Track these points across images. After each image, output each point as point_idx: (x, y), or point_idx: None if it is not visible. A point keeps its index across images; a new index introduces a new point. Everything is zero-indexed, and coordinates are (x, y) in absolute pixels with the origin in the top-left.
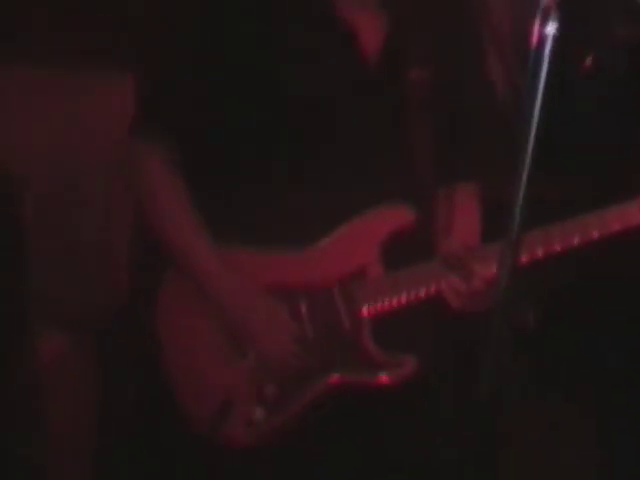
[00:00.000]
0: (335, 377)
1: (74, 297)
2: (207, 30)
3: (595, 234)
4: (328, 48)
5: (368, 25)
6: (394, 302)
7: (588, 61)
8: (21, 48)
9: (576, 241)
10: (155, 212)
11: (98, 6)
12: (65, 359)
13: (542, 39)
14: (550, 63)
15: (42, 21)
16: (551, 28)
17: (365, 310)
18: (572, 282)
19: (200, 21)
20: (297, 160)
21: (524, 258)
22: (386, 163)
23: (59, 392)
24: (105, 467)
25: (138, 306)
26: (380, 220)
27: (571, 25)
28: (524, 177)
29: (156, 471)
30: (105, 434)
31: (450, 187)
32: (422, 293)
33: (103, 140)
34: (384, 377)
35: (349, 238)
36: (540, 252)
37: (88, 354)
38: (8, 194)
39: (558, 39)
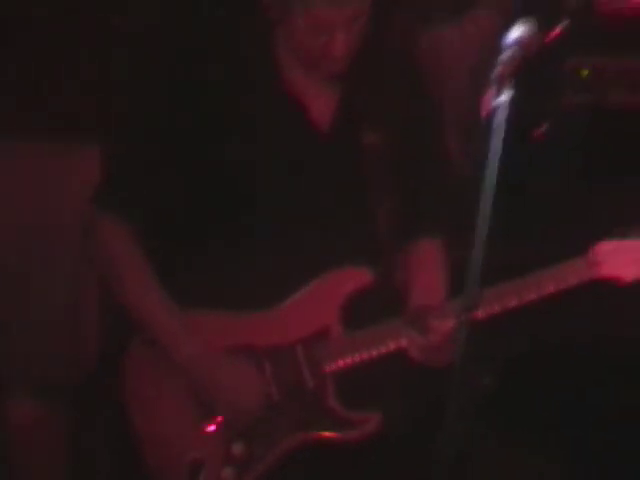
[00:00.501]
0: (301, 435)
1: (43, 363)
2: (163, 108)
3: (550, 289)
4: (280, 122)
5: (319, 96)
6: (356, 359)
7: (542, 129)
8: None
9: (532, 296)
10: (116, 280)
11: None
12: (37, 424)
13: (496, 107)
14: (504, 130)
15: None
16: (505, 97)
17: (328, 368)
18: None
19: (157, 99)
20: (257, 225)
21: (481, 314)
22: (345, 225)
23: (30, 455)
24: None
25: (104, 372)
26: (339, 282)
27: (525, 94)
28: (481, 238)
29: None
30: None
31: (412, 244)
32: (383, 350)
33: (71, 206)
34: (349, 434)
35: (310, 300)
36: (497, 308)
37: (58, 419)
38: None
39: (513, 107)
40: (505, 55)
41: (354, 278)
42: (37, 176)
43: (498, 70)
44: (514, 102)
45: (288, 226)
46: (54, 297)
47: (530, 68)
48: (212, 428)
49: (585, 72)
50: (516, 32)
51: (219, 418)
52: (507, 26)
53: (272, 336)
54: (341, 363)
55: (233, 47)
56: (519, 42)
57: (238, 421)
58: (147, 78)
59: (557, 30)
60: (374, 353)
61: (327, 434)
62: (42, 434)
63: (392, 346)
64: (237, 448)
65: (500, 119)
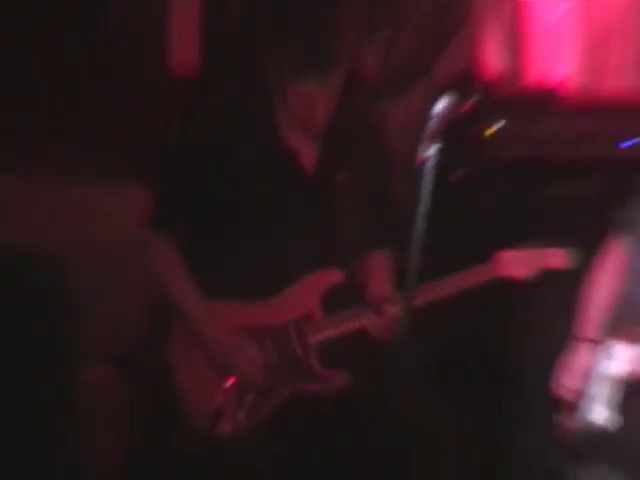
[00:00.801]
0: (292, 388)
1: (115, 337)
2: (194, 161)
3: (466, 284)
4: (278, 166)
5: (306, 147)
6: (332, 334)
7: (457, 173)
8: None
9: (453, 289)
10: (160, 279)
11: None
12: (105, 383)
13: (426, 158)
14: (433, 175)
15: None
16: (433, 150)
17: (312, 341)
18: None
19: (189, 155)
20: (261, 240)
21: (418, 302)
22: (324, 240)
23: (102, 407)
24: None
25: (155, 347)
26: (319, 280)
27: (447, 148)
28: (414, 261)
29: (173, 465)
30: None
31: (370, 254)
32: (350, 327)
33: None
34: (325, 387)
35: (299, 292)
36: (429, 298)
37: (121, 379)
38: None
39: (438, 157)
40: (433, 120)
41: (329, 277)
42: (94, 206)
43: (428, 131)
44: (439, 154)
45: (283, 240)
46: (125, 288)
47: (451, 130)
48: (229, 384)
49: (491, 132)
50: (440, 105)
51: (233, 378)
52: (434, 101)
53: (271, 319)
54: (321, 337)
55: (248, 114)
56: (443, 112)
57: (247, 381)
58: (188, 144)
59: (469, 103)
60: (344, 330)
61: (310, 387)
62: (109, 394)
63: (357, 325)
64: (247, 398)
65: (429, 166)
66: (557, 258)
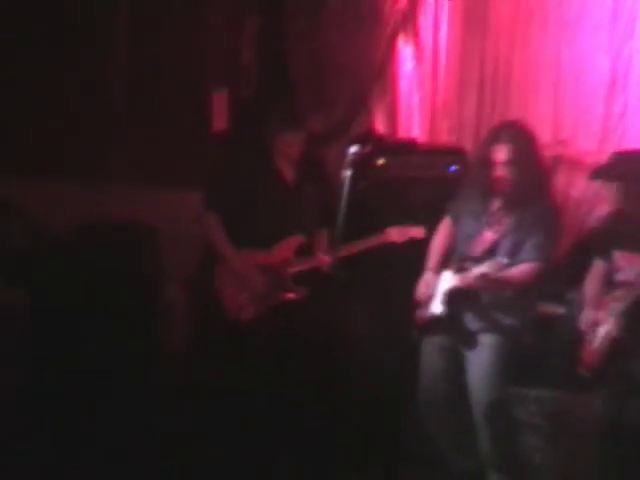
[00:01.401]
0: (279, 294)
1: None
2: (229, 177)
3: (369, 245)
4: (272, 183)
5: (288, 170)
6: (300, 269)
7: (362, 185)
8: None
9: (360, 248)
10: (210, 237)
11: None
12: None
13: (345, 177)
14: (349, 187)
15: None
16: (349, 172)
17: (291, 271)
18: None
19: (227, 174)
20: (264, 219)
21: (343, 253)
22: (298, 224)
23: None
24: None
25: (206, 270)
26: (293, 241)
27: (358, 170)
28: (339, 232)
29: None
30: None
31: (318, 230)
32: (310, 266)
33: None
34: (297, 294)
35: (283, 247)
36: (348, 252)
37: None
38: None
39: (352, 176)
40: (349, 157)
41: (299, 239)
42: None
43: (346, 163)
44: (352, 175)
45: (275, 220)
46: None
47: (358, 162)
48: (247, 294)
49: (381, 161)
50: (353, 148)
51: (249, 291)
52: (350, 146)
53: (268, 259)
54: (293, 269)
55: (256, 153)
56: (354, 152)
57: (254, 292)
58: (226, 169)
59: (369, 148)
60: (306, 267)
61: (288, 295)
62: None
63: (313, 264)
64: (254, 299)
65: (347, 181)
66: (418, 231)
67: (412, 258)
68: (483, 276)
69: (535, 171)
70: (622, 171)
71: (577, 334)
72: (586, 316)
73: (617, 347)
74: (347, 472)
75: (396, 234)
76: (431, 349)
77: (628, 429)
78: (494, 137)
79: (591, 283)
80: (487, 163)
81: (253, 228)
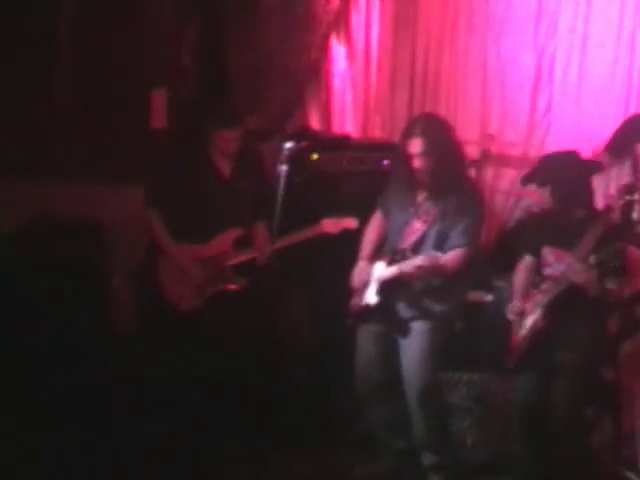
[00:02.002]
0: (220, 285)
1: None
2: (168, 174)
3: (304, 237)
4: (209, 178)
5: (225, 165)
6: (239, 260)
7: (297, 179)
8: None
9: (297, 240)
10: (151, 231)
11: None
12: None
13: (281, 171)
14: (285, 181)
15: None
16: (285, 167)
17: (229, 263)
18: None
19: (166, 171)
20: (202, 213)
21: (280, 244)
22: (234, 216)
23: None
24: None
25: (150, 262)
26: (231, 234)
27: (293, 164)
28: (276, 225)
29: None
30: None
31: (256, 225)
32: (247, 257)
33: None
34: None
35: (221, 240)
36: (285, 243)
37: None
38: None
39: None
40: (284, 153)
41: (236, 232)
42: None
43: (281, 158)
44: (287, 170)
45: (213, 213)
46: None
47: (293, 156)
48: (187, 285)
49: (315, 156)
50: (288, 144)
51: (189, 282)
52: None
53: (208, 252)
54: (232, 262)
55: (195, 149)
56: (289, 148)
57: (193, 283)
58: (165, 165)
59: (303, 144)
60: (244, 258)
61: (227, 287)
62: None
63: (251, 256)
64: (193, 290)
65: (283, 176)
66: (351, 222)
67: (346, 248)
68: (418, 268)
69: (452, 160)
70: (550, 175)
71: (505, 321)
72: (514, 306)
73: (542, 336)
74: (285, 454)
75: (330, 225)
76: (366, 336)
77: (548, 412)
78: (409, 131)
79: (519, 276)
80: (405, 156)
81: (192, 222)
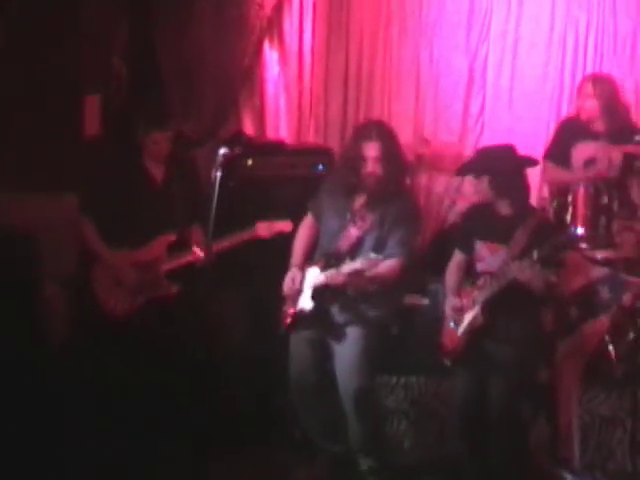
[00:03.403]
0: (149, 292)
1: (60, 266)
2: (100, 181)
3: (239, 239)
4: (143, 184)
5: (157, 169)
6: (172, 266)
7: (231, 183)
8: None
9: (234, 242)
10: (85, 239)
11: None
12: (56, 297)
13: (216, 177)
14: (218, 186)
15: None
16: (219, 172)
17: (162, 268)
18: None
19: (98, 178)
20: (135, 218)
21: (216, 248)
22: (166, 219)
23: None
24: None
25: (83, 269)
26: (165, 239)
27: (227, 169)
28: (210, 229)
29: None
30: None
31: (190, 226)
32: (183, 262)
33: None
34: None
35: (155, 245)
36: (220, 247)
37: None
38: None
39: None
40: (218, 158)
41: (170, 237)
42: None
43: (217, 163)
44: (221, 175)
45: (146, 219)
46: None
47: (228, 162)
48: (121, 290)
49: (250, 162)
50: (222, 150)
51: (124, 286)
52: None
53: (142, 257)
54: (166, 267)
55: (126, 154)
56: (225, 153)
57: (125, 282)
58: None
59: (238, 149)
60: (180, 263)
61: (160, 292)
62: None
63: (187, 260)
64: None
65: (217, 181)
66: (285, 225)
67: (280, 252)
68: (356, 272)
69: (399, 167)
70: (486, 166)
71: (440, 324)
72: (449, 303)
73: (480, 333)
74: (223, 455)
75: (265, 229)
76: (299, 341)
77: (488, 408)
78: (363, 134)
79: (451, 272)
80: (357, 159)
81: (126, 229)
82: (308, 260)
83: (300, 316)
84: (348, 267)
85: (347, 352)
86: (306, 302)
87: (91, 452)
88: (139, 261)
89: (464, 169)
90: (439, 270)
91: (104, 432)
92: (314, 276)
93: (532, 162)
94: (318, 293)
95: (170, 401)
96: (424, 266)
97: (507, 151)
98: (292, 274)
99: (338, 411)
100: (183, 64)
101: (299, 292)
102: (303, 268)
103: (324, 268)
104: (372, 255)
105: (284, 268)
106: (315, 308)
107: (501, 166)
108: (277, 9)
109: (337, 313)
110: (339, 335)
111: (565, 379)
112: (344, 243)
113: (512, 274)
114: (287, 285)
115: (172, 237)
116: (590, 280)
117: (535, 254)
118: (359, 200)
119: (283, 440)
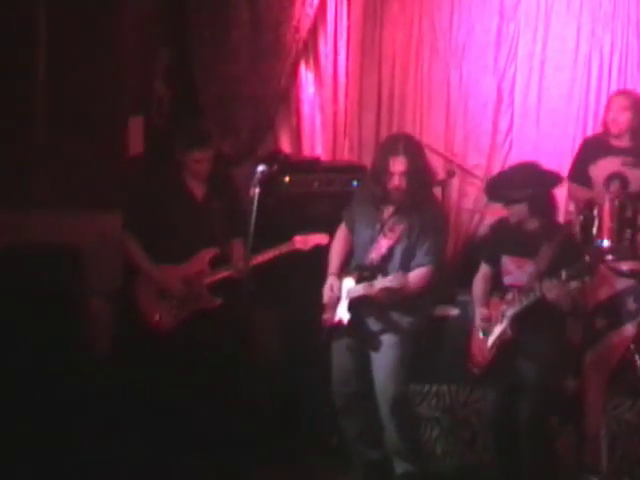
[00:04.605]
0: (196, 306)
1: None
2: (144, 199)
3: (278, 253)
4: (184, 200)
5: (198, 188)
6: (215, 279)
7: (269, 201)
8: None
9: (272, 255)
10: (129, 255)
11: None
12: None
13: (255, 193)
14: (257, 202)
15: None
16: (257, 188)
17: (205, 282)
18: None
19: (141, 197)
20: (179, 235)
21: (256, 261)
22: (208, 235)
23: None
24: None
25: (128, 284)
26: (206, 254)
27: (266, 186)
28: (249, 244)
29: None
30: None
31: (232, 241)
32: (224, 275)
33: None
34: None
35: (197, 260)
36: (260, 260)
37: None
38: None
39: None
40: (257, 175)
41: (212, 252)
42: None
43: (255, 180)
44: (260, 191)
45: (189, 235)
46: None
47: (265, 179)
48: (168, 302)
49: (287, 178)
50: (260, 167)
51: (171, 299)
52: (257, 165)
53: (186, 271)
54: (209, 280)
55: (168, 174)
56: (262, 171)
57: (172, 294)
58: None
59: (275, 167)
60: (222, 276)
61: (203, 304)
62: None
63: (228, 274)
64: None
65: (255, 197)
66: (322, 238)
67: (316, 266)
68: (387, 290)
69: (425, 179)
70: (524, 194)
71: (470, 334)
72: (479, 313)
73: (508, 347)
74: (260, 468)
75: (302, 241)
76: (340, 350)
77: (516, 423)
78: (390, 148)
79: (477, 283)
80: (384, 173)
81: (169, 245)
82: (344, 268)
83: (339, 325)
84: (380, 283)
85: (383, 359)
86: (344, 312)
87: (133, 464)
88: (183, 275)
89: (492, 195)
90: (469, 282)
91: (148, 444)
92: (349, 287)
93: (559, 179)
94: (354, 305)
95: (209, 415)
96: (454, 278)
97: (532, 173)
98: (330, 282)
99: (376, 417)
100: (222, 87)
101: (338, 299)
102: (340, 276)
103: (358, 280)
104: (402, 273)
105: (321, 281)
106: (352, 318)
107: (538, 191)
108: (312, 32)
109: (372, 322)
110: (375, 343)
111: (591, 388)
112: (375, 254)
113: (540, 292)
114: (326, 293)
115: (213, 252)
116: (615, 291)
117: (564, 275)
118: (387, 211)
119: (320, 450)
